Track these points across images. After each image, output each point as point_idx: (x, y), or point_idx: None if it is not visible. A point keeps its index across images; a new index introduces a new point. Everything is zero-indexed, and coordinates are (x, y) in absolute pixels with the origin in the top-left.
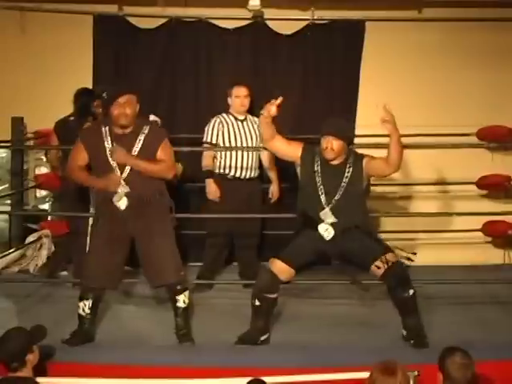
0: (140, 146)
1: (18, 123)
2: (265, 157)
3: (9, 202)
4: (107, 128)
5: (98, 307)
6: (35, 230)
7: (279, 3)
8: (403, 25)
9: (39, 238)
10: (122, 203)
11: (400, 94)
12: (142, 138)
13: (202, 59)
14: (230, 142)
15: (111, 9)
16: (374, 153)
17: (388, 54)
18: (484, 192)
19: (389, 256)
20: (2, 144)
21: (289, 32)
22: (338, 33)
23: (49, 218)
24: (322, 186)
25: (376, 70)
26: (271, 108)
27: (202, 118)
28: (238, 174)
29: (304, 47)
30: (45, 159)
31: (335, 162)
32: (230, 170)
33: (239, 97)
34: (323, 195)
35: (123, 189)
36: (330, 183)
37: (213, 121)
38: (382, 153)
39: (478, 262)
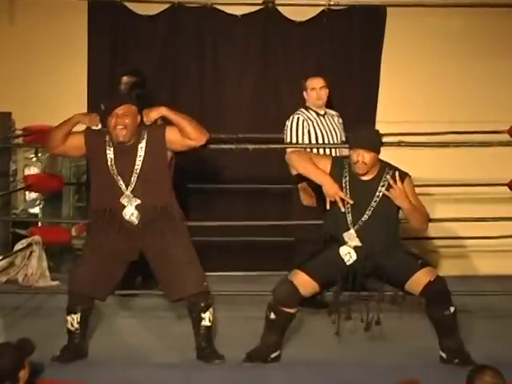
0: (143, 152)
1: (5, 119)
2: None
3: None
4: (110, 137)
5: (88, 320)
6: (24, 237)
7: None
8: (427, 10)
9: (29, 246)
10: (134, 217)
11: (424, 86)
12: (143, 144)
13: (207, 49)
14: (316, 139)
15: None
16: (395, 153)
17: (411, 43)
18: None
19: (428, 270)
20: None
21: (302, 19)
22: (357, 19)
23: (39, 224)
24: (348, 205)
25: (397, 60)
26: (335, 197)
27: (207, 115)
28: None
29: (319, 35)
30: (35, 159)
31: (366, 178)
32: None
33: (315, 89)
34: (349, 214)
35: (133, 201)
36: (359, 202)
37: (295, 119)
38: (405, 153)
39: (510, 271)
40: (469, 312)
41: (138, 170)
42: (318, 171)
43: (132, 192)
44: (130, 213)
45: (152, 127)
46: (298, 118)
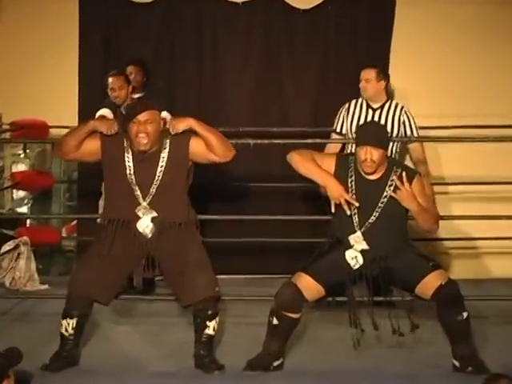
0: (165, 162)
1: None
2: (416, 150)
3: None
4: (129, 143)
5: (84, 327)
6: (12, 238)
7: None
8: None
9: (16, 247)
10: (148, 230)
11: (435, 78)
12: (165, 154)
13: (206, 38)
14: (351, 132)
15: None
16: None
17: (422, 32)
18: None
19: (439, 273)
20: None
21: (307, 6)
22: (365, 7)
23: (28, 224)
24: (354, 207)
25: (408, 50)
26: (340, 200)
27: (206, 108)
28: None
29: (324, 24)
30: (23, 155)
31: (373, 177)
32: None
33: (361, 81)
34: (356, 216)
35: (149, 214)
36: (365, 203)
37: (342, 107)
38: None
39: None
40: (482, 317)
41: (158, 181)
42: (322, 172)
43: (149, 204)
44: (145, 225)
45: (175, 135)
46: (344, 106)
